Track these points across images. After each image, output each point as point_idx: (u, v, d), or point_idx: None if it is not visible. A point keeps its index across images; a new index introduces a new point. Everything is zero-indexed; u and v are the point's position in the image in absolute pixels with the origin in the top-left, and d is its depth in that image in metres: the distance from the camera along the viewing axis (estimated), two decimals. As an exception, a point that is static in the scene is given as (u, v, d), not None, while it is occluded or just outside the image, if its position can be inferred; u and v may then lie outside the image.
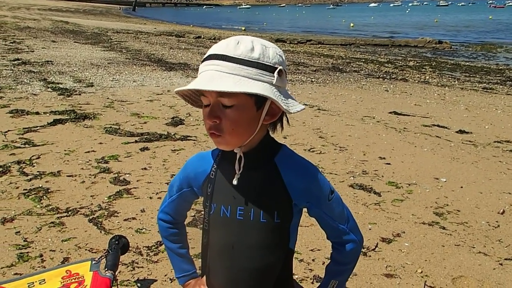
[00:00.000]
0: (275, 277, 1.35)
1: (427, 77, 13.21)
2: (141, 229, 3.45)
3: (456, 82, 12.52)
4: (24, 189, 4.05)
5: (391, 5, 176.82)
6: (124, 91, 8.74)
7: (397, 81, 12.18)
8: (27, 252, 3.06)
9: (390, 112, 7.96)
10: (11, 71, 10.24)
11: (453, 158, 5.53)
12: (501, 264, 3.20)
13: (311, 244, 3.32)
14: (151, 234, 3.39)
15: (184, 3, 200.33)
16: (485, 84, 12.11)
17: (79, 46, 16.75)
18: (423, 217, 3.89)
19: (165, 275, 2.88)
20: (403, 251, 3.34)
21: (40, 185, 4.15)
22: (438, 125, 7.17)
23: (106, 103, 7.58)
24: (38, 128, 5.91)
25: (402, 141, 6.19)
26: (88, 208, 3.76)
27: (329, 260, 1.44)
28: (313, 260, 3.14)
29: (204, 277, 1.47)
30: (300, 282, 2.85)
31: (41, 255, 3.03)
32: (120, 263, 2.50)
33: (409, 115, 7.82)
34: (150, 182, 4.36)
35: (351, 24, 48.75)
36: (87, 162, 4.82)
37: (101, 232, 3.39)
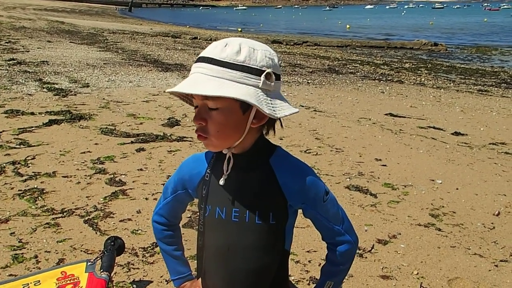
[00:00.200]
0: (271, 278, 1.35)
1: (423, 79, 13.26)
2: (137, 230, 3.44)
3: (452, 84, 12.57)
4: (19, 190, 4.03)
5: (387, 7, 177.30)
6: (120, 92, 8.71)
7: (393, 83, 12.21)
8: (22, 253, 3.05)
9: (386, 114, 7.97)
10: (6, 71, 10.20)
11: (448, 160, 5.54)
12: (496, 266, 3.21)
13: (307, 246, 3.32)
14: (147, 235, 3.37)
15: (181, 4, 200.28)
16: (480, 86, 12.17)
17: (75, 47, 16.71)
18: (419, 219, 3.90)
19: (161, 276, 2.87)
20: (399, 252, 3.34)
21: (35, 186, 4.13)
22: (433, 127, 7.19)
23: (102, 104, 7.56)
24: (33, 128, 5.88)
25: (398, 142, 6.20)
26: (84, 209, 3.74)
27: (325, 261, 1.44)
28: (309, 261, 3.14)
29: (200, 279, 1.47)
30: (296, 284, 2.85)
31: (36, 256, 3.02)
32: (115, 264, 2.50)
33: (404, 117, 7.84)
34: (146, 183, 4.35)
35: (347, 26, 48.86)
36: (83, 162, 4.81)
37: (96, 233, 3.37)
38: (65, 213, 3.65)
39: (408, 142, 6.26)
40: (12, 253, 3.04)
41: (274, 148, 1.32)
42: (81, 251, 3.12)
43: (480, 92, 11.24)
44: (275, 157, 1.30)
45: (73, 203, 3.85)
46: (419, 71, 15.14)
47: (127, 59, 13.87)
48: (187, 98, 1.29)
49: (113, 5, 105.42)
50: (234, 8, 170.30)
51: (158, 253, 3.11)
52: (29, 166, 4.61)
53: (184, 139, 5.78)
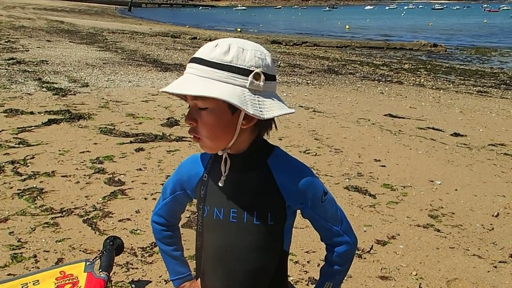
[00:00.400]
0: (270, 279, 1.35)
1: (422, 80, 13.27)
2: (136, 230, 3.44)
3: (451, 85, 12.58)
4: (18, 189, 4.03)
5: (387, 8, 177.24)
6: (119, 92, 8.71)
7: (392, 84, 12.22)
8: (21, 253, 3.04)
9: (385, 115, 7.98)
10: (6, 70, 10.19)
11: (448, 161, 5.55)
12: (495, 267, 3.21)
13: (306, 246, 3.32)
14: (145, 235, 3.37)
15: (180, 4, 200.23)
16: (479, 88, 12.18)
17: (74, 46, 16.70)
18: (418, 220, 3.90)
19: (160, 276, 2.87)
20: (398, 253, 3.35)
21: (34, 185, 4.12)
22: (433, 128, 7.19)
23: (101, 103, 7.55)
24: (32, 128, 5.88)
25: (397, 143, 6.21)
26: (83, 209, 3.74)
27: (324, 262, 1.44)
28: (308, 262, 3.14)
29: (199, 279, 1.47)
30: (295, 284, 2.85)
31: (35, 256, 3.02)
32: (114, 264, 2.49)
33: (404, 118, 7.84)
34: (145, 183, 4.34)
35: (347, 27, 48.85)
36: (82, 162, 4.80)
37: (95, 232, 3.37)
38: (64, 213, 3.64)
39: (407, 143, 6.26)
40: (11, 252, 3.04)
41: (272, 149, 1.32)
42: (80, 250, 3.12)
43: (480, 93, 11.25)
44: (273, 158, 1.30)
45: (72, 202, 3.85)
46: (419, 72, 15.15)
47: (127, 59, 13.87)
48: (185, 98, 1.30)
49: (113, 5, 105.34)
50: (234, 8, 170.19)
51: (157, 253, 3.10)
52: (28, 166, 4.60)
53: (183, 139, 5.78)
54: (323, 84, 11.57)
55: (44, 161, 4.75)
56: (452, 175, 5.06)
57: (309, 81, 11.78)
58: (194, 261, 1.49)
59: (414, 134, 6.77)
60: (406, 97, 10.18)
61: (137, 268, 2.95)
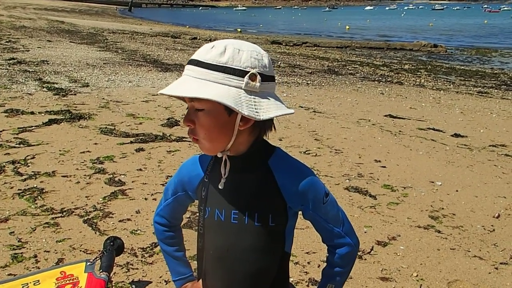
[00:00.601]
0: (271, 280, 1.35)
1: (423, 81, 13.28)
2: (136, 230, 3.44)
3: (451, 85, 12.59)
4: (18, 189, 4.03)
5: (387, 8, 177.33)
6: (120, 92, 8.71)
7: (392, 84, 12.22)
8: (21, 253, 3.04)
9: (385, 115, 7.97)
10: (6, 70, 10.19)
11: (448, 162, 5.55)
12: (496, 268, 3.21)
13: (307, 247, 3.32)
14: (146, 235, 3.37)
15: (180, 4, 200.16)
16: (480, 88, 12.18)
17: (75, 46, 16.70)
18: (419, 221, 3.90)
19: (160, 277, 2.87)
20: (398, 254, 3.34)
21: (35, 185, 4.12)
22: (433, 129, 7.19)
23: (102, 104, 7.55)
24: (33, 128, 5.88)
25: (398, 144, 6.20)
26: (83, 209, 3.74)
27: (325, 263, 1.43)
28: (308, 262, 3.14)
29: (200, 280, 1.47)
30: (296, 285, 2.85)
31: (35, 256, 3.01)
32: (115, 265, 2.49)
33: (404, 118, 7.84)
34: (145, 183, 4.34)
35: (347, 27, 48.88)
36: (82, 162, 4.80)
37: (96, 233, 3.37)
38: (64, 213, 3.64)
39: (408, 143, 6.26)
40: (12, 252, 3.04)
41: (273, 149, 1.32)
42: (81, 251, 3.12)
43: (480, 94, 11.25)
44: (274, 159, 1.30)
45: (72, 202, 3.84)
46: (419, 73, 15.16)
47: (127, 59, 13.87)
48: (184, 99, 1.30)
49: (113, 5, 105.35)
50: (234, 9, 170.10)
51: (157, 254, 3.10)
52: (28, 166, 4.60)
53: (184, 139, 5.77)
54: (323, 84, 11.57)
55: (45, 161, 4.75)
56: (452, 176, 5.05)
57: (309, 82, 11.78)
58: (195, 262, 1.48)
59: (414, 134, 6.77)
60: (406, 97, 10.18)
61: (137, 269, 2.95)
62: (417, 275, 3.07)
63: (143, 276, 2.88)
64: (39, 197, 3.90)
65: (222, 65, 1.15)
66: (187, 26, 44.00)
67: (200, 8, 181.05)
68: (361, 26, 55.37)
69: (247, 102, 1.15)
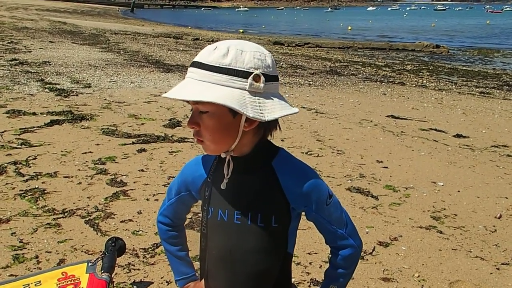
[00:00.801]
0: (273, 281, 1.35)
1: (425, 81, 13.26)
2: (138, 231, 3.44)
3: (454, 86, 12.57)
4: (20, 190, 4.03)
5: (389, 9, 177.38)
6: (122, 93, 8.72)
7: (394, 85, 12.21)
8: (23, 254, 3.05)
9: (387, 116, 7.97)
10: (8, 71, 10.21)
11: (450, 162, 5.54)
12: (498, 269, 3.20)
13: (308, 247, 3.32)
14: (147, 236, 3.37)
15: (182, 5, 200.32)
16: (482, 89, 12.16)
17: (77, 47, 16.73)
18: (420, 221, 3.89)
19: (162, 278, 2.86)
20: (400, 255, 3.34)
21: (37, 186, 4.13)
22: (435, 129, 7.18)
23: (104, 104, 7.56)
24: (35, 128, 5.89)
25: (400, 144, 6.20)
26: (85, 210, 3.74)
27: (328, 264, 1.43)
28: (310, 263, 3.13)
29: (203, 280, 1.47)
30: (298, 286, 2.85)
31: (36, 257, 3.02)
32: (116, 265, 2.49)
33: (406, 119, 7.83)
34: (147, 184, 4.34)
35: (349, 28, 48.86)
36: (84, 163, 4.80)
37: (97, 233, 3.37)
38: (66, 214, 3.64)
39: (410, 144, 6.25)
40: (13, 253, 3.04)
41: (277, 150, 1.31)
42: (82, 251, 3.12)
43: (482, 95, 11.23)
44: (277, 159, 1.29)
45: (74, 203, 3.85)
46: (421, 73, 15.13)
47: (129, 60, 13.89)
48: (187, 101, 1.30)
49: (115, 6, 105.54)
50: (236, 9, 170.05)
51: (159, 254, 3.11)
52: (30, 166, 4.61)
53: (186, 140, 5.78)
54: (325, 85, 11.56)
55: (46, 162, 4.76)
56: (454, 177, 5.04)
57: (311, 82, 11.77)
58: (198, 262, 1.48)
59: (416, 135, 6.76)
60: (408, 98, 10.16)
61: (139, 269, 2.95)
62: (418, 276, 3.07)
63: (144, 277, 2.88)
64: (40, 197, 3.91)
65: (225, 67, 1.14)
66: (189, 27, 44.03)
67: (202, 9, 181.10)
68: (363, 26, 55.34)
69: (252, 103, 1.14)
